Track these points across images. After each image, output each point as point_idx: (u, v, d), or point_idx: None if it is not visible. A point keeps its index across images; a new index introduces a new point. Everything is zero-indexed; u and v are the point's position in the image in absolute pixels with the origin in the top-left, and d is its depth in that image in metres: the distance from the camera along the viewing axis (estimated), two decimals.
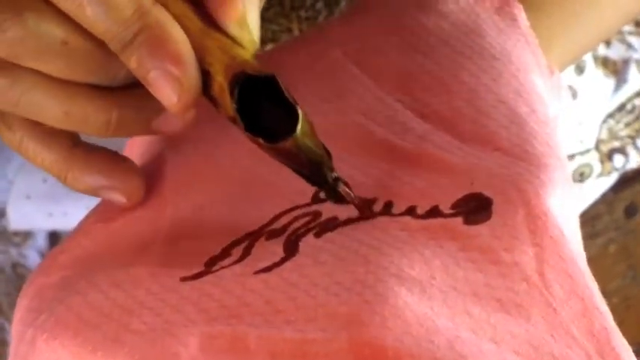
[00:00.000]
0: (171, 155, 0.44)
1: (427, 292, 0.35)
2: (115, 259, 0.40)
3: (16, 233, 0.68)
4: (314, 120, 0.36)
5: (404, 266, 0.35)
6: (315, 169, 0.37)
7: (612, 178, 0.71)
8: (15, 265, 0.69)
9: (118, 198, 0.41)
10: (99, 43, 0.36)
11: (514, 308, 0.35)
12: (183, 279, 0.37)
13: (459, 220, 0.37)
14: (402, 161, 0.41)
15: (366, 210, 0.39)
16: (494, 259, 0.36)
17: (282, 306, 0.35)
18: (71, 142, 0.40)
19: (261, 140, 0.35)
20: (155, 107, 0.38)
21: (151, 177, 0.44)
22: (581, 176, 0.70)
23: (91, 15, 0.35)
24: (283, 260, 0.37)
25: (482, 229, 0.37)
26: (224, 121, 0.37)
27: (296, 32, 0.62)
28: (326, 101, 0.44)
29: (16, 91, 0.37)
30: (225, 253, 0.39)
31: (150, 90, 0.36)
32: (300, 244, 0.38)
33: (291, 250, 0.38)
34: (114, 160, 0.41)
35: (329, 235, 0.38)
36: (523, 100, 0.42)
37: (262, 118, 0.36)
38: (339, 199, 0.38)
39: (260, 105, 0.36)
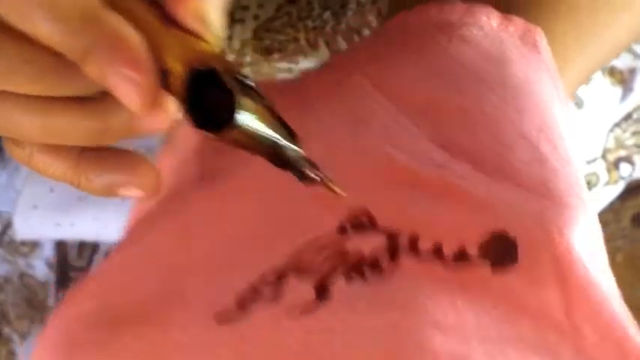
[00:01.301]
0: (195, 190, 0.45)
1: (463, 338, 0.35)
2: (143, 291, 0.40)
3: (24, 243, 0.68)
4: (337, 144, 0.36)
5: (438, 315, 0.36)
6: (272, 152, 0.36)
7: (619, 187, 0.71)
8: (22, 276, 0.69)
9: (135, 193, 0.41)
10: (61, 56, 0.36)
11: (548, 356, 0.35)
12: (219, 321, 0.38)
13: (487, 268, 0.37)
14: (424, 190, 0.40)
15: (390, 243, 0.39)
16: (523, 307, 0.36)
17: (319, 348, 0.35)
18: (79, 148, 0.40)
19: (209, 133, 0.35)
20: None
21: (176, 211, 0.44)
22: (587, 185, 0.69)
23: (43, 31, 0.35)
24: (317, 305, 0.37)
25: (509, 278, 0.37)
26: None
27: (302, 42, 0.62)
28: (349, 126, 0.44)
29: None
30: (256, 291, 0.39)
31: (115, 95, 0.36)
32: (332, 288, 0.38)
33: (323, 295, 0.38)
34: (124, 156, 0.41)
35: (360, 281, 0.38)
36: (545, 137, 0.42)
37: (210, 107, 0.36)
38: (307, 179, 0.37)
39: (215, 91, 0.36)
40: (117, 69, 0.35)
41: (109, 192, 0.41)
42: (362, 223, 0.40)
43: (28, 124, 0.37)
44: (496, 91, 0.43)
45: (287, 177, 0.36)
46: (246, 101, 0.35)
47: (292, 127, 0.36)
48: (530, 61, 0.44)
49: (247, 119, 0.35)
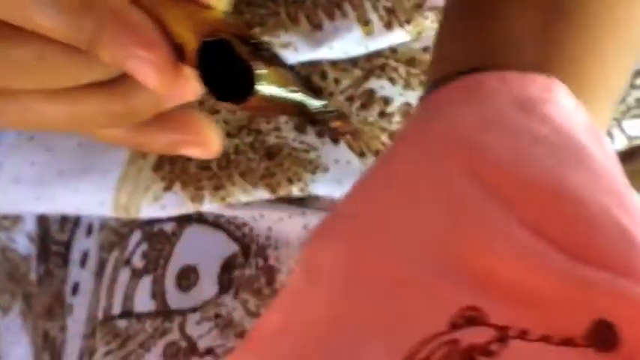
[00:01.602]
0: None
1: None
2: None
3: (5, 217, 0.68)
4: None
5: None
6: (297, 111, 0.37)
7: None
8: (4, 250, 0.69)
9: (196, 150, 0.41)
10: (73, 47, 0.36)
11: None
12: None
13: (591, 350, 0.37)
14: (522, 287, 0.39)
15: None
16: None
17: None
18: None
19: (229, 104, 0.36)
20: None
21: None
22: None
23: (46, 26, 0.35)
24: None
25: (611, 355, 0.37)
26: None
27: (283, 16, 0.62)
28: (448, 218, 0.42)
29: (16, 111, 0.37)
30: None
31: (134, 77, 0.36)
32: None
33: None
34: (186, 114, 0.41)
35: None
36: (629, 215, 0.40)
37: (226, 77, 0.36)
38: (336, 132, 0.37)
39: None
40: (128, 52, 0.35)
41: (170, 149, 0.41)
42: (473, 318, 0.39)
43: (55, 116, 0.37)
44: (580, 172, 0.42)
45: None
46: (262, 67, 0.35)
47: (314, 82, 0.36)
48: (601, 144, 0.43)
49: (266, 85, 0.35)
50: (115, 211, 0.62)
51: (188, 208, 0.60)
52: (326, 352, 0.40)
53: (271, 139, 0.61)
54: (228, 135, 0.61)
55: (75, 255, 0.65)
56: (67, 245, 0.66)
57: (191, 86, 0.38)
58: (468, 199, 0.41)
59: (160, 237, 0.62)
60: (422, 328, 0.39)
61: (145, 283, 0.61)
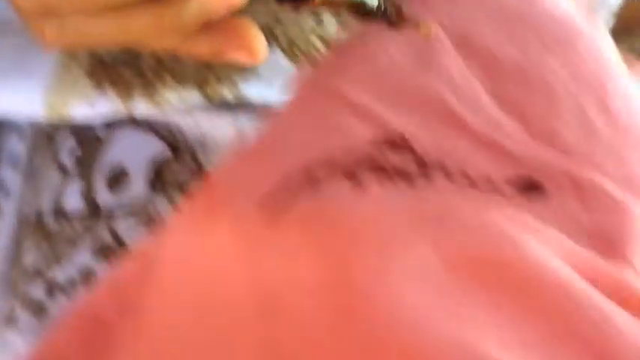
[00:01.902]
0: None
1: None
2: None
3: None
4: (393, 72, 0.37)
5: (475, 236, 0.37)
6: (357, 7, 0.38)
7: None
8: None
9: (243, 56, 0.42)
10: None
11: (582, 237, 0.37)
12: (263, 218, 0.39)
13: (514, 192, 0.39)
14: (467, 137, 0.42)
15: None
16: (558, 210, 0.38)
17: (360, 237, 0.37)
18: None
19: (288, 4, 0.36)
20: None
21: None
22: None
23: None
24: (352, 202, 0.39)
25: (536, 204, 0.39)
26: None
27: None
28: (414, 61, 0.44)
29: (70, 29, 0.39)
30: (288, 188, 0.40)
31: None
32: (364, 183, 0.39)
33: (357, 187, 0.39)
34: (232, 21, 0.41)
35: (392, 188, 0.39)
36: (599, 106, 0.43)
37: None
38: (395, 24, 0.38)
39: None
40: None
41: (216, 56, 0.41)
42: (395, 143, 0.41)
43: (106, 33, 0.38)
44: (557, 54, 0.44)
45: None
46: None
47: None
48: (594, 30, 0.45)
49: None
50: (45, 111, 0.61)
51: (118, 107, 0.60)
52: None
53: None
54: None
55: (4, 155, 0.65)
56: None
57: None
58: (433, 52, 0.44)
59: (90, 138, 0.62)
60: (353, 140, 0.40)
61: (76, 184, 0.61)
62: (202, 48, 0.42)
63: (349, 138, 0.41)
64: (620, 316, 0.32)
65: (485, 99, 0.43)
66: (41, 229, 0.61)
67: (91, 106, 0.60)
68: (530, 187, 0.38)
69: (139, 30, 0.38)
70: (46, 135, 0.64)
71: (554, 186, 0.39)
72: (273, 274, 0.36)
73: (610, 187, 0.39)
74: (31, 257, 0.60)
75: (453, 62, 0.44)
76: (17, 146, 0.65)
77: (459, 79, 0.44)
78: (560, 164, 0.40)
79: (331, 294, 0.34)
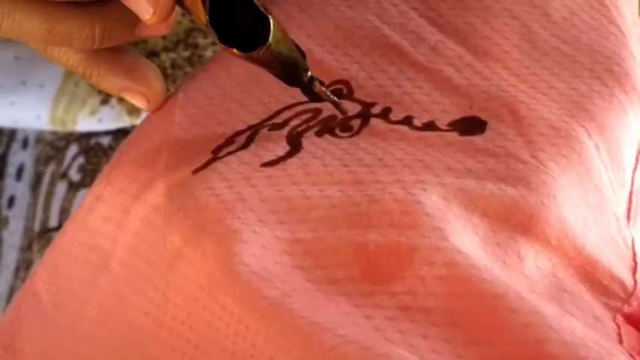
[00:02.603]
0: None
1: (427, 187, 0.36)
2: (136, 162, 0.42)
3: None
4: (330, 15, 0.37)
5: (405, 173, 0.37)
6: (289, 72, 0.38)
7: None
8: None
9: (140, 101, 0.42)
10: None
11: (514, 181, 0.37)
12: (194, 171, 0.39)
13: (455, 133, 0.39)
14: (409, 70, 0.42)
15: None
16: (490, 154, 0.38)
17: (277, 206, 0.36)
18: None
19: (235, 50, 0.36)
20: (135, 15, 0.39)
21: None
22: None
23: None
24: (289, 155, 0.39)
25: (476, 138, 0.39)
26: None
27: None
28: (345, 2, 0.44)
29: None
30: (229, 140, 0.40)
31: (126, 4, 0.37)
32: (303, 140, 0.39)
33: (295, 145, 0.39)
34: (139, 63, 0.42)
35: (330, 137, 0.39)
36: (539, 16, 0.43)
37: (237, 26, 0.37)
38: (316, 97, 0.39)
39: (234, 13, 0.37)
40: None
41: (117, 92, 0.42)
42: (339, 91, 0.41)
43: (33, 28, 0.38)
44: None
45: None
46: (276, 23, 0.36)
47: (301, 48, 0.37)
48: None
49: (276, 40, 0.37)
50: (51, 124, 0.61)
51: (125, 121, 0.61)
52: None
53: (208, 54, 0.61)
54: (166, 49, 0.61)
55: (10, 168, 0.65)
56: (3, 158, 0.66)
57: (169, 23, 0.39)
58: None
59: (96, 150, 0.62)
60: (289, 94, 0.41)
61: (82, 196, 0.61)
62: (108, 84, 0.42)
63: (296, 96, 0.41)
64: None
65: (423, 24, 0.43)
66: (48, 241, 0.61)
67: (99, 121, 0.60)
68: (473, 126, 0.39)
69: (64, 33, 0.39)
70: (51, 146, 0.64)
71: (496, 119, 0.39)
72: None
73: (552, 117, 0.39)
74: None
75: None
76: (22, 158, 0.65)
77: (392, 9, 0.44)
78: (504, 94, 0.40)
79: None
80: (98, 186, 0.42)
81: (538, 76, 0.41)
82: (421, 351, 0.32)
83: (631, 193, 0.40)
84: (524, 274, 0.35)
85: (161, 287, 0.36)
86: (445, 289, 0.33)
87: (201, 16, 0.37)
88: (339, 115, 0.40)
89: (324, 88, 0.39)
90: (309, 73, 0.39)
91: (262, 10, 0.37)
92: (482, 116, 0.39)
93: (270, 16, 0.37)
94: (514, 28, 0.42)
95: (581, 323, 0.34)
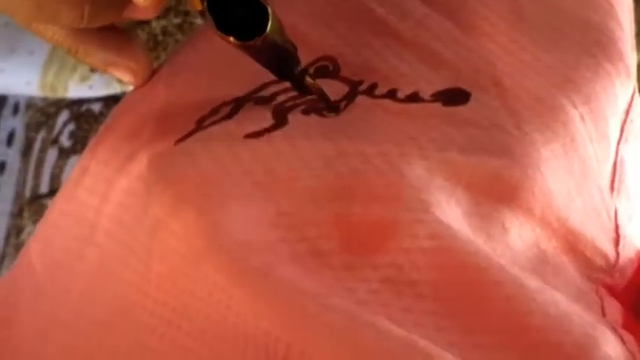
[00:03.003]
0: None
1: (410, 160, 0.36)
2: (121, 134, 0.42)
3: None
4: None
5: (389, 145, 0.37)
6: (282, 64, 0.38)
7: None
8: None
9: (126, 76, 0.42)
10: None
11: (499, 152, 0.37)
12: (177, 142, 0.39)
13: (438, 104, 0.39)
14: (395, 44, 0.41)
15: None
16: (474, 125, 0.38)
17: (260, 178, 0.36)
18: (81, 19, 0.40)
19: (231, 39, 0.36)
20: None
21: None
22: None
23: None
24: (274, 127, 0.38)
25: (460, 109, 0.39)
26: None
27: None
28: None
29: None
30: (214, 111, 0.40)
31: None
32: (289, 116, 0.39)
33: (280, 119, 0.39)
34: (125, 38, 0.42)
35: (317, 117, 0.39)
36: None
37: (230, 13, 0.37)
38: (305, 90, 0.39)
39: (229, 1, 0.37)
40: None
41: (103, 67, 0.42)
42: (326, 69, 0.41)
43: (23, 2, 0.38)
44: None
45: None
46: (274, 12, 0.36)
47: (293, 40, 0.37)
48: None
49: (272, 30, 0.36)
50: (42, 90, 0.61)
51: (115, 88, 0.61)
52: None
53: (199, 21, 0.61)
54: (156, 17, 0.61)
55: (1, 134, 0.65)
56: None
57: (160, 8, 0.39)
58: None
59: (87, 117, 0.62)
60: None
61: (73, 162, 0.62)
62: (94, 59, 0.42)
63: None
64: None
65: None
66: (39, 207, 0.61)
67: (90, 88, 0.60)
68: (456, 97, 0.39)
69: (53, 7, 0.38)
70: (42, 112, 0.64)
71: (480, 91, 0.40)
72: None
73: (537, 89, 0.39)
74: (29, 236, 0.61)
75: None
76: (13, 124, 0.65)
77: None
78: (489, 67, 0.40)
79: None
80: (84, 159, 0.42)
81: (525, 50, 0.41)
82: (405, 324, 0.32)
83: (615, 164, 0.40)
84: (508, 245, 0.35)
85: (143, 257, 0.36)
86: (429, 262, 0.33)
87: (196, 3, 0.37)
88: (329, 97, 0.40)
89: (312, 81, 0.39)
90: (300, 66, 0.38)
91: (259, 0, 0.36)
92: (467, 88, 0.39)
93: (268, 6, 0.36)
94: (502, 1, 0.42)
95: (565, 295, 0.34)
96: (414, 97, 0.39)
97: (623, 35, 0.43)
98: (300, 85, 0.39)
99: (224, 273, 0.33)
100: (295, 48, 0.38)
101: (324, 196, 0.35)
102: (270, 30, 0.36)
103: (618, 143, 0.41)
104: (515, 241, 0.36)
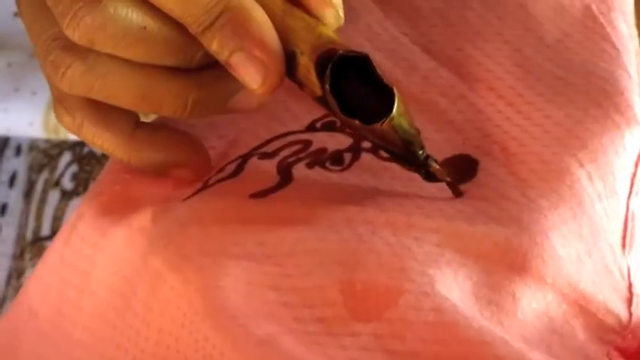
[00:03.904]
0: None
1: (418, 235, 0.36)
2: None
3: None
4: None
5: (396, 214, 0.36)
6: (408, 148, 0.36)
7: None
8: None
9: (186, 174, 0.41)
10: (178, 26, 0.36)
11: (506, 221, 0.36)
12: (185, 199, 0.38)
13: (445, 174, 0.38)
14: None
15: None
16: (481, 198, 0.37)
17: (264, 238, 0.36)
18: (133, 124, 0.39)
19: (357, 122, 0.35)
20: (230, 87, 0.38)
21: None
22: None
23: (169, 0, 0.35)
24: (279, 186, 0.38)
25: (469, 185, 0.38)
26: None
27: None
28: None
29: (92, 77, 0.36)
30: (219, 169, 0.39)
31: (232, 73, 0.36)
32: (294, 171, 0.38)
33: (285, 176, 0.38)
34: (177, 137, 0.41)
35: (321, 170, 0.39)
36: (534, 43, 0.42)
37: (347, 97, 0.35)
38: (431, 177, 0.37)
39: (344, 84, 0.35)
40: (241, 45, 0.35)
41: (159, 170, 0.40)
42: (332, 124, 0.40)
43: (125, 90, 0.37)
44: None
45: None
46: (399, 94, 0.34)
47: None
48: None
49: (398, 113, 0.35)
50: (44, 131, 0.61)
51: None
52: None
53: None
54: None
55: (3, 175, 0.65)
56: None
57: (265, 97, 0.38)
58: (356, 10, 0.44)
59: (90, 158, 0.62)
60: (282, 126, 0.40)
61: (75, 204, 0.61)
62: (147, 160, 0.40)
63: (287, 125, 0.40)
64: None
65: (415, 51, 0.42)
66: (40, 249, 0.61)
67: None
68: (464, 168, 0.39)
69: (158, 97, 0.37)
70: (44, 154, 0.64)
71: (488, 157, 0.39)
72: None
73: (543, 151, 0.39)
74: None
75: (373, 17, 0.43)
76: (15, 165, 0.65)
77: (383, 34, 0.43)
78: (497, 130, 0.39)
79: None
80: (82, 205, 0.41)
81: (532, 105, 0.40)
82: None
83: (626, 219, 0.40)
84: (517, 317, 0.35)
85: (141, 312, 0.36)
86: (432, 335, 0.33)
87: (316, 88, 0.35)
88: (329, 149, 0.39)
89: (438, 167, 0.37)
90: (425, 151, 0.36)
91: (386, 80, 0.35)
92: (475, 154, 0.39)
93: (394, 87, 0.35)
94: (506, 52, 0.42)
95: None
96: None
97: (630, 83, 0.43)
98: (425, 171, 0.37)
99: (222, 338, 0.33)
100: (419, 132, 0.36)
101: (328, 260, 0.35)
102: (396, 112, 0.35)
103: (629, 197, 0.40)
104: (525, 311, 0.35)
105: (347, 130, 0.40)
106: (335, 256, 0.35)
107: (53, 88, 0.38)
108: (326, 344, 0.33)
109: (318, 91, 0.35)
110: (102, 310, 0.38)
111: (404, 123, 0.35)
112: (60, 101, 0.39)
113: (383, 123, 0.34)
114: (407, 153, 0.36)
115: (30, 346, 0.41)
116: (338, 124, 0.41)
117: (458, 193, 0.38)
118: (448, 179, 0.37)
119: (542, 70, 0.42)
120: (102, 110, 0.38)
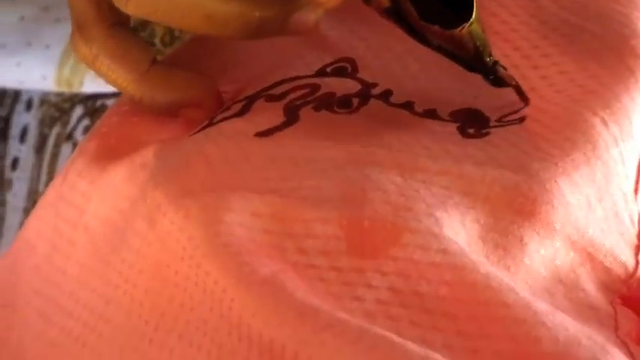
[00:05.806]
0: None
1: (426, 177, 0.36)
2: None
3: None
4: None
5: (404, 156, 0.36)
6: (478, 54, 0.37)
7: None
8: None
9: (198, 114, 0.41)
10: None
11: (515, 168, 0.36)
12: (191, 135, 0.38)
13: (454, 127, 0.38)
14: (417, 49, 0.40)
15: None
16: (491, 144, 0.37)
17: (269, 174, 0.36)
18: (149, 62, 0.39)
19: (436, 27, 0.36)
20: (293, 6, 0.37)
21: None
22: None
23: None
24: (285, 125, 0.38)
25: (477, 141, 0.38)
26: None
27: None
28: None
29: None
30: (225, 107, 0.40)
31: None
32: (300, 113, 0.38)
33: (291, 116, 0.38)
34: (191, 76, 0.41)
35: (328, 113, 0.38)
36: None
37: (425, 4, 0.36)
38: (499, 82, 0.38)
39: None
40: None
41: (171, 112, 0.40)
42: (343, 69, 0.40)
43: (192, 10, 0.37)
44: None
45: None
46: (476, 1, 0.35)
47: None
48: None
49: (476, 19, 0.36)
50: (57, 85, 0.61)
51: None
52: None
53: None
54: None
55: (14, 130, 0.65)
56: (6, 120, 0.65)
57: (319, 16, 0.38)
58: None
59: (102, 112, 0.61)
60: (292, 70, 0.40)
61: None
62: (158, 99, 0.40)
63: (298, 69, 0.40)
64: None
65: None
66: None
67: (106, 83, 0.59)
68: (473, 119, 0.38)
69: (223, 19, 0.37)
70: (56, 107, 0.63)
71: (499, 114, 0.39)
72: None
73: (557, 108, 0.39)
74: None
75: None
76: (27, 119, 0.65)
77: None
78: (509, 90, 0.39)
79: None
80: (84, 141, 0.41)
81: (548, 58, 0.40)
82: (412, 339, 0.31)
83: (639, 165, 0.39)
84: (524, 263, 0.35)
85: (136, 246, 0.36)
86: (438, 276, 0.33)
87: (383, 1, 0.36)
88: (338, 93, 0.39)
89: (505, 72, 0.38)
90: (493, 57, 0.37)
91: None
92: (486, 112, 0.38)
93: None
94: (522, 2, 0.41)
95: (574, 316, 0.34)
96: (431, 114, 0.38)
97: None
98: (493, 77, 0.38)
99: (225, 274, 0.33)
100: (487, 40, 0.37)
101: (334, 196, 0.34)
102: (475, 17, 0.35)
103: None
104: (532, 258, 0.35)
105: (357, 75, 0.39)
106: (341, 192, 0.34)
107: (78, 14, 0.38)
108: (329, 280, 0.32)
109: (386, 2, 0.36)
110: (95, 244, 0.38)
111: (478, 29, 0.36)
112: (80, 29, 0.39)
113: (462, 28, 0.36)
114: (477, 59, 0.37)
115: (27, 281, 0.41)
116: (349, 69, 0.40)
117: (525, 99, 0.38)
118: (515, 83, 0.38)
119: (558, 19, 0.42)
120: (120, 45, 0.38)
